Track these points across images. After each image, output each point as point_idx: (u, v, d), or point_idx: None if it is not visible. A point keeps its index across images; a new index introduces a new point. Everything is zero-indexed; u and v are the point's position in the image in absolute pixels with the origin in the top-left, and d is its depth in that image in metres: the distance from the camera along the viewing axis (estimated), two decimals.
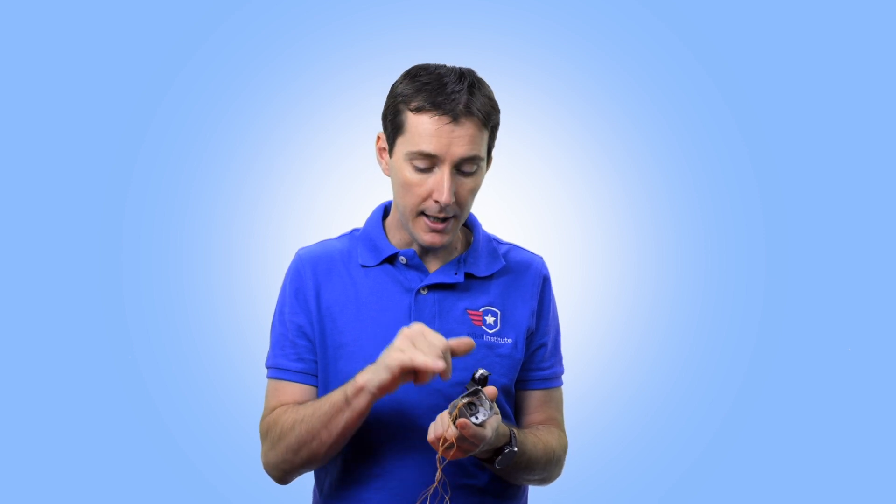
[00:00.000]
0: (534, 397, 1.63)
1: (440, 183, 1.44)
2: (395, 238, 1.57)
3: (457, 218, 1.49)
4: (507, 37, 2.82)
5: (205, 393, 2.75)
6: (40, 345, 2.71)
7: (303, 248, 1.61)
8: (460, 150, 1.44)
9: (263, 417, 1.55)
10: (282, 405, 1.54)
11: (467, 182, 1.47)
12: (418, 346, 1.34)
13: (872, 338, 2.82)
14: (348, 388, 1.41)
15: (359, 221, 1.65)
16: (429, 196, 1.46)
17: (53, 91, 2.75)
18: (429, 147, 1.44)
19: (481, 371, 1.35)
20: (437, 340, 1.35)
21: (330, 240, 1.63)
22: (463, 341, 1.38)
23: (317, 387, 1.55)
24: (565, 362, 1.70)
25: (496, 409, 1.35)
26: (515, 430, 1.47)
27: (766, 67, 2.87)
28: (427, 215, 1.48)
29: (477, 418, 1.32)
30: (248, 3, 2.83)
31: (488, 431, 1.33)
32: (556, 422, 1.65)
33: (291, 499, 1.80)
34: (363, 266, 1.56)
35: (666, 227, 2.90)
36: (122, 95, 2.77)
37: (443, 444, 1.31)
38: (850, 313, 2.84)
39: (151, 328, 2.77)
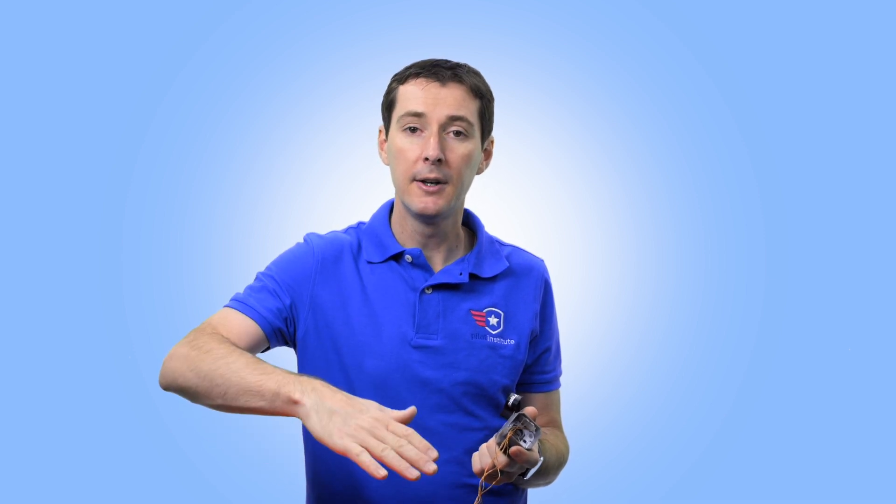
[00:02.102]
0: (536, 400, 1.63)
1: (428, 140, 1.48)
2: (401, 236, 1.57)
3: (451, 185, 1.50)
4: (507, 37, 2.82)
5: None
6: (40, 345, 2.70)
7: (314, 234, 1.59)
8: (447, 109, 1.48)
9: (199, 328, 1.47)
10: (225, 328, 1.46)
11: (458, 147, 1.49)
12: (378, 435, 1.21)
13: (872, 338, 2.82)
14: (284, 389, 1.27)
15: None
16: (419, 159, 1.48)
17: (54, 91, 2.75)
18: (417, 106, 1.49)
19: (515, 396, 1.37)
20: (398, 433, 1.21)
21: (338, 231, 1.62)
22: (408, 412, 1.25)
23: (265, 337, 1.50)
24: (565, 363, 1.70)
25: (540, 429, 1.36)
26: None
27: (767, 67, 2.88)
28: (420, 180, 1.49)
29: (526, 443, 1.33)
30: (248, 4, 2.83)
31: (538, 454, 1.36)
32: (557, 423, 1.67)
33: (291, 498, 1.80)
34: (369, 262, 1.56)
35: (666, 227, 2.90)
36: (123, 95, 2.77)
37: (487, 472, 1.33)
38: (850, 313, 2.84)
39: (151, 328, 2.77)
